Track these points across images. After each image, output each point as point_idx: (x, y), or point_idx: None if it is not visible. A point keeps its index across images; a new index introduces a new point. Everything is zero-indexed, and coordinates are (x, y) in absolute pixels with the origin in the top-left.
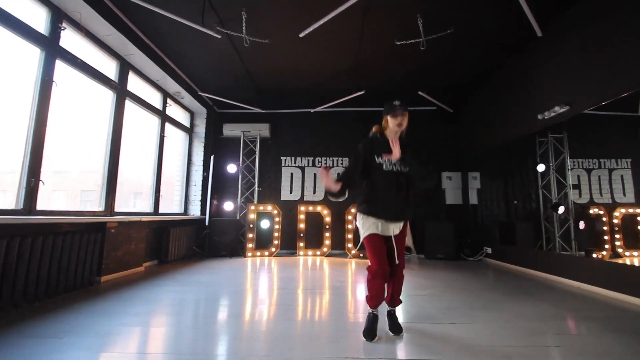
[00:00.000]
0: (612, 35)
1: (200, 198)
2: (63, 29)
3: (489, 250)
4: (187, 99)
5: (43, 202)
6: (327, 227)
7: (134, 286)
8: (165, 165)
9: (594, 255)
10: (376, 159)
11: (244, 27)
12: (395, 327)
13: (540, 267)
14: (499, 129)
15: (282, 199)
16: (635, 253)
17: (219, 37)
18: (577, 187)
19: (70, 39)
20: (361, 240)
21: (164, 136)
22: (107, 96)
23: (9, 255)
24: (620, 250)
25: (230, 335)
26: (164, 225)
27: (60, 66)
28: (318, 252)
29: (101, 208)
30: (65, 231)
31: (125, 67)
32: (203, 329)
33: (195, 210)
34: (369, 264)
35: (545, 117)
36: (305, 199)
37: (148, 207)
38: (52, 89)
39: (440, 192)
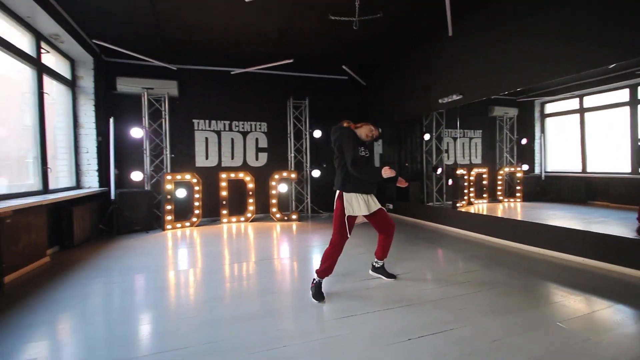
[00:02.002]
0: (497, 47)
1: (97, 168)
2: None
3: (391, 206)
4: (68, 43)
5: None
6: (250, 193)
7: (41, 285)
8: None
9: (458, 205)
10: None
11: None
12: (390, 275)
13: (428, 218)
14: (409, 103)
15: (197, 165)
16: (480, 201)
17: None
18: (447, 151)
19: None
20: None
21: (43, 93)
22: None
23: None
24: (472, 199)
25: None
26: (62, 204)
27: None
28: (242, 218)
29: None
30: None
31: None
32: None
33: (91, 182)
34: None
35: (445, 102)
36: (223, 165)
37: (35, 184)
38: None
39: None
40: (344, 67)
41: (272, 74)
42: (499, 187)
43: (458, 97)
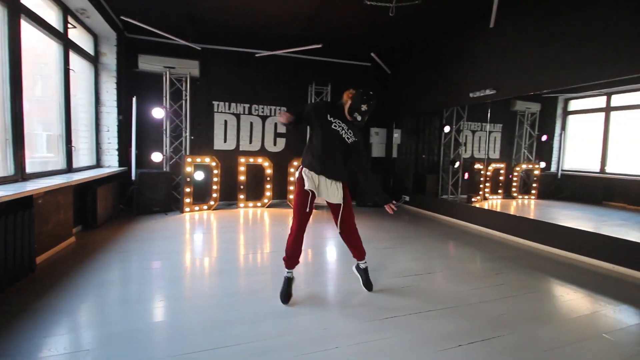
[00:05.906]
0: (540, 43)
1: (117, 147)
2: None
3: (407, 198)
4: (94, 18)
5: None
6: (268, 178)
7: (70, 268)
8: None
9: (473, 200)
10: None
11: None
12: (368, 284)
13: (445, 212)
14: (437, 95)
15: (215, 148)
16: (494, 197)
17: None
18: (465, 145)
19: None
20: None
21: (69, 69)
22: None
23: None
24: (487, 195)
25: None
26: (87, 184)
27: None
28: (259, 204)
29: (10, 172)
30: None
31: None
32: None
33: (111, 161)
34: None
35: (476, 95)
36: (241, 149)
37: (59, 163)
38: None
39: (368, 145)
40: (372, 54)
41: (296, 58)
42: (514, 184)
43: (491, 92)
